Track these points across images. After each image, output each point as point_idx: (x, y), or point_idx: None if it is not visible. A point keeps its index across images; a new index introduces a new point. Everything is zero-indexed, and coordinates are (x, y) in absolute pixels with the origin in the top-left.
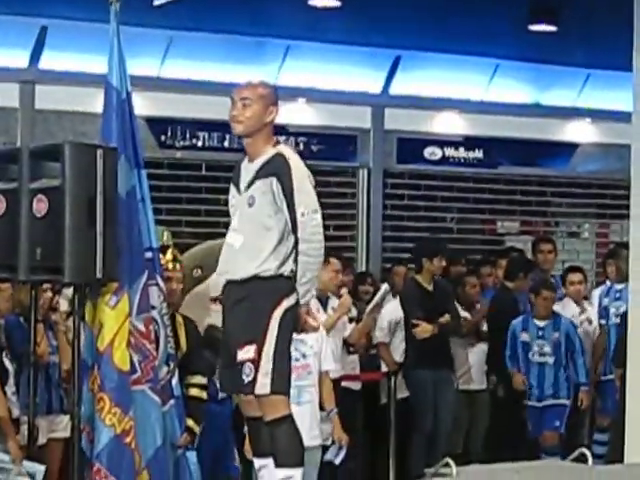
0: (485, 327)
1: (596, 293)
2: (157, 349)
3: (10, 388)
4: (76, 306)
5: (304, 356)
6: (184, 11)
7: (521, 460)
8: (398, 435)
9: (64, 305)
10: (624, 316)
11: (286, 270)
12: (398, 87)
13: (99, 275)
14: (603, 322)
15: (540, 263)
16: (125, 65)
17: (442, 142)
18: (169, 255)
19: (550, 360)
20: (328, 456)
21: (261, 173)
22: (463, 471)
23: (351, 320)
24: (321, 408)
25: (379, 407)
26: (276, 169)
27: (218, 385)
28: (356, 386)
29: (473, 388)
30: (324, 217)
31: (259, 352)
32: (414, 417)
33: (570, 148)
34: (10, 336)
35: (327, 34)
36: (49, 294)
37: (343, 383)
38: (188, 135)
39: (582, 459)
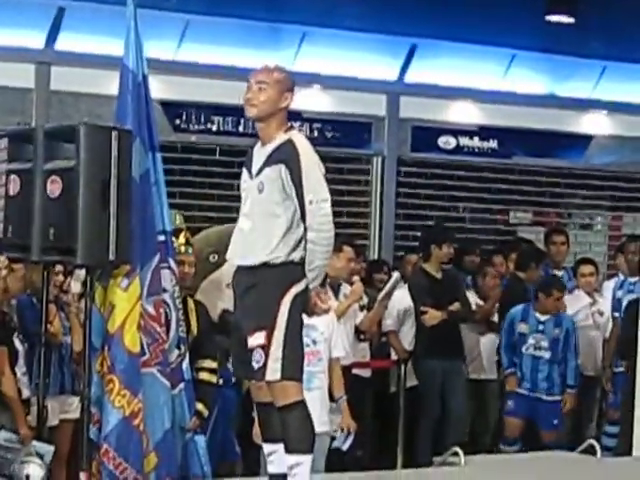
0: (496, 317)
1: (609, 285)
2: (168, 332)
3: (20, 368)
4: (88, 288)
5: (315, 342)
6: None
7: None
8: (407, 423)
9: (76, 287)
10: (627, 308)
11: (296, 257)
12: (414, 75)
13: (111, 257)
14: (617, 315)
15: (552, 255)
16: (142, 48)
17: (457, 131)
18: (182, 238)
19: (546, 355)
20: (336, 443)
21: (271, 160)
22: (471, 460)
23: (362, 308)
24: (330, 396)
25: (388, 395)
26: (285, 156)
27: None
28: (366, 373)
29: (483, 377)
30: (337, 204)
31: (269, 338)
32: (422, 405)
33: (585, 140)
34: (22, 316)
35: (343, 21)
36: (60, 277)
37: (353, 370)
38: (203, 119)
39: (591, 451)
